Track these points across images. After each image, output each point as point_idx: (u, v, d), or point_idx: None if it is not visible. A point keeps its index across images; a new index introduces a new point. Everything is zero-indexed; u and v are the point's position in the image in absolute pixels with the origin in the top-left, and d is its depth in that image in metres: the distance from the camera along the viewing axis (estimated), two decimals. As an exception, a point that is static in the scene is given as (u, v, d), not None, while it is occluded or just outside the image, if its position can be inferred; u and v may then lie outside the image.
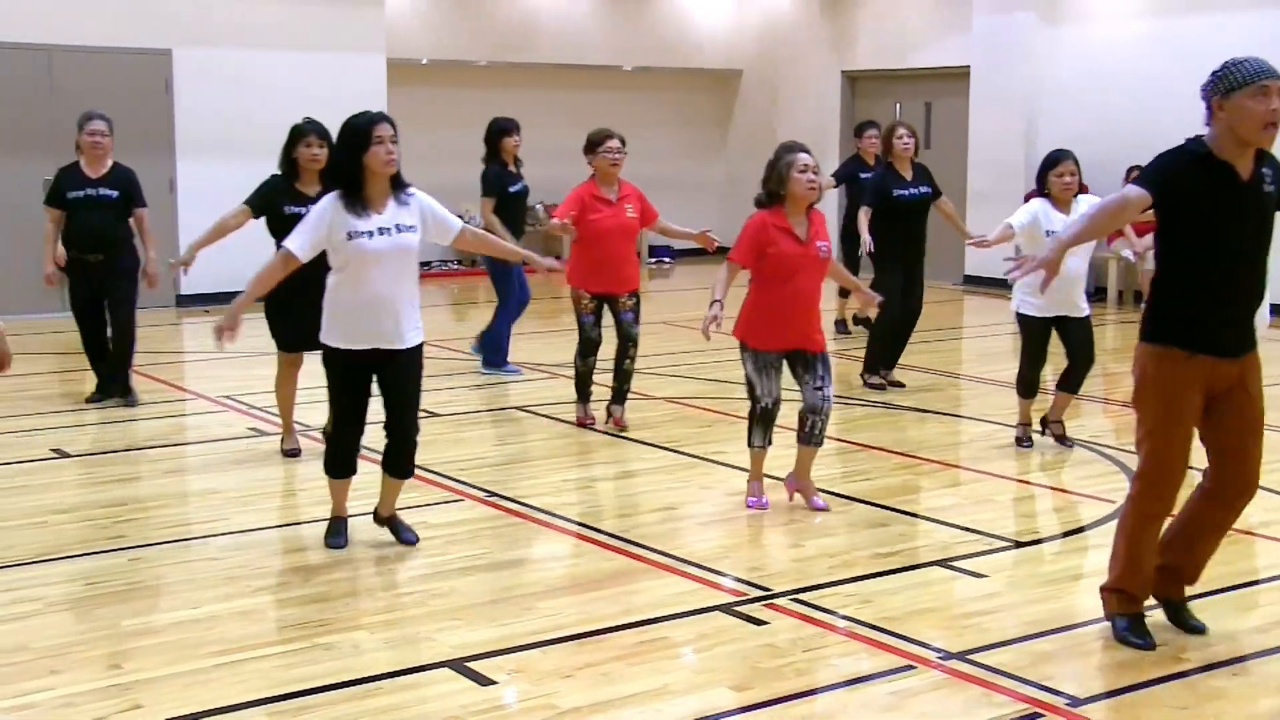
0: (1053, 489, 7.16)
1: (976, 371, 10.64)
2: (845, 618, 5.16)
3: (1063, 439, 7.89)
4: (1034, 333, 7.81)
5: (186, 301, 13.35)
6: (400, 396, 5.78)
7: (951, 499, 6.94)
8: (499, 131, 10.05)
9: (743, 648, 4.87)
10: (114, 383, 9.11)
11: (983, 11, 15.63)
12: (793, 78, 18.15)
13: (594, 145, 8.21)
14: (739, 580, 5.59)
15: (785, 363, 6.49)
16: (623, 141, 8.26)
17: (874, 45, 17.36)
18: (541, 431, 8.45)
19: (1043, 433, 7.98)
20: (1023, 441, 7.91)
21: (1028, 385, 7.90)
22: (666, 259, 17.94)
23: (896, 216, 9.41)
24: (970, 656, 4.77)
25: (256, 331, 12.18)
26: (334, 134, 7.29)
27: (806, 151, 6.39)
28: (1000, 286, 15.21)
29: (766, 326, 6.40)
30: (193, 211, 13.35)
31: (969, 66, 15.84)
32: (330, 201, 5.59)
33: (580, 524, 6.41)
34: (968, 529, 6.32)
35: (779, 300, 6.37)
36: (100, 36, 13.33)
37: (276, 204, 7.23)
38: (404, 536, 6.04)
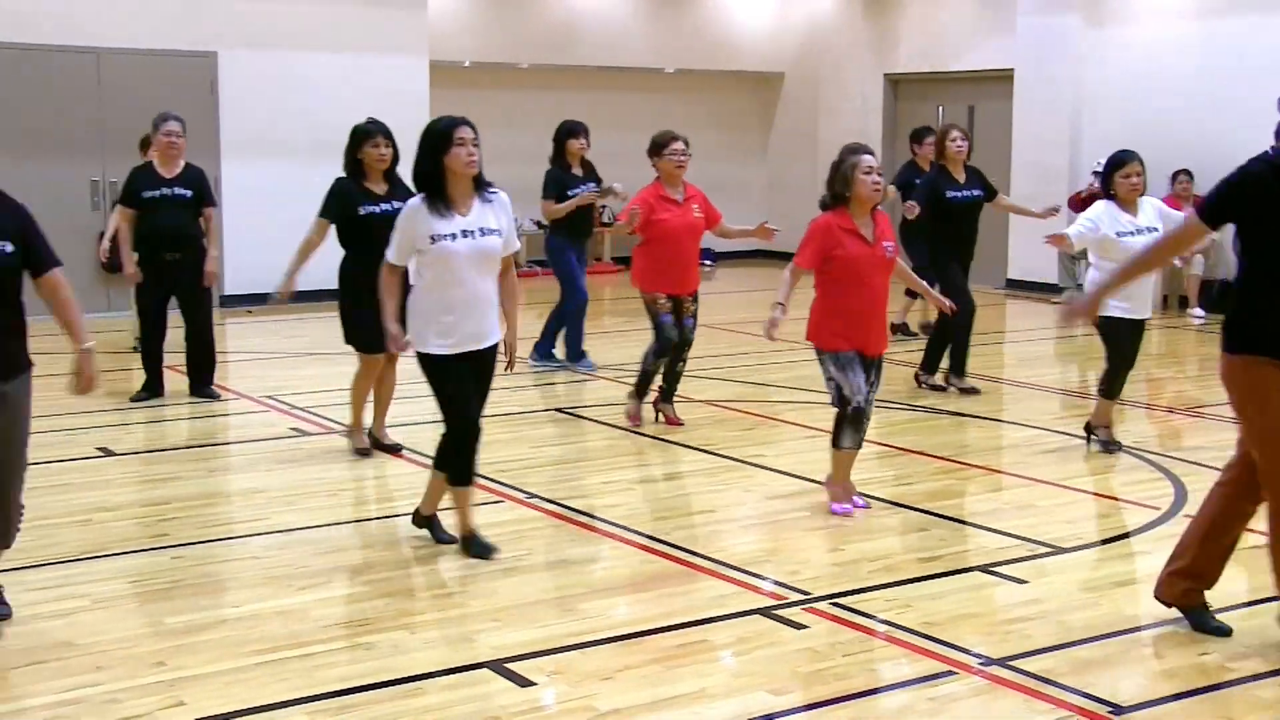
0: (1096, 495, 7.10)
1: (1019, 376, 10.57)
2: (885, 622, 5.14)
3: (1110, 445, 7.84)
4: (1125, 335, 7.73)
5: (230, 302, 13.44)
6: (482, 397, 5.87)
7: (993, 504, 6.90)
8: (565, 134, 10.15)
9: (782, 651, 4.85)
10: (206, 381, 9.22)
11: (1026, 14, 15.52)
12: (834, 81, 18.10)
13: (659, 147, 8.27)
14: (779, 584, 5.58)
15: None
16: (686, 143, 8.30)
17: (916, 48, 17.28)
18: (583, 434, 8.46)
19: (1088, 440, 7.92)
20: (1110, 445, 7.83)
21: (1117, 387, 7.82)
22: (708, 262, 17.87)
23: (949, 218, 9.40)
24: (1012, 662, 4.73)
25: (298, 332, 12.21)
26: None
27: (870, 153, 6.41)
28: (1043, 290, 15.13)
29: (839, 329, 6.43)
30: (237, 212, 13.48)
31: (1013, 69, 15.74)
32: (414, 205, 5.66)
33: (621, 526, 6.41)
34: (1010, 534, 6.28)
35: (849, 302, 6.40)
36: (147, 39, 13.46)
37: (350, 207, 7.31)
38: (440, 536, 6.07)
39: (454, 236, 5.56)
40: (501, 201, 5.75)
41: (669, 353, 8.34)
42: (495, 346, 5.81)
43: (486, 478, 7.19)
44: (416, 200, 5.65)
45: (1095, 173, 14.52)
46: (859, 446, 6.57)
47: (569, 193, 10.03)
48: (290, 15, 14.23)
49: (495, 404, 9.00)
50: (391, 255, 5.77)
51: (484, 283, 5.68)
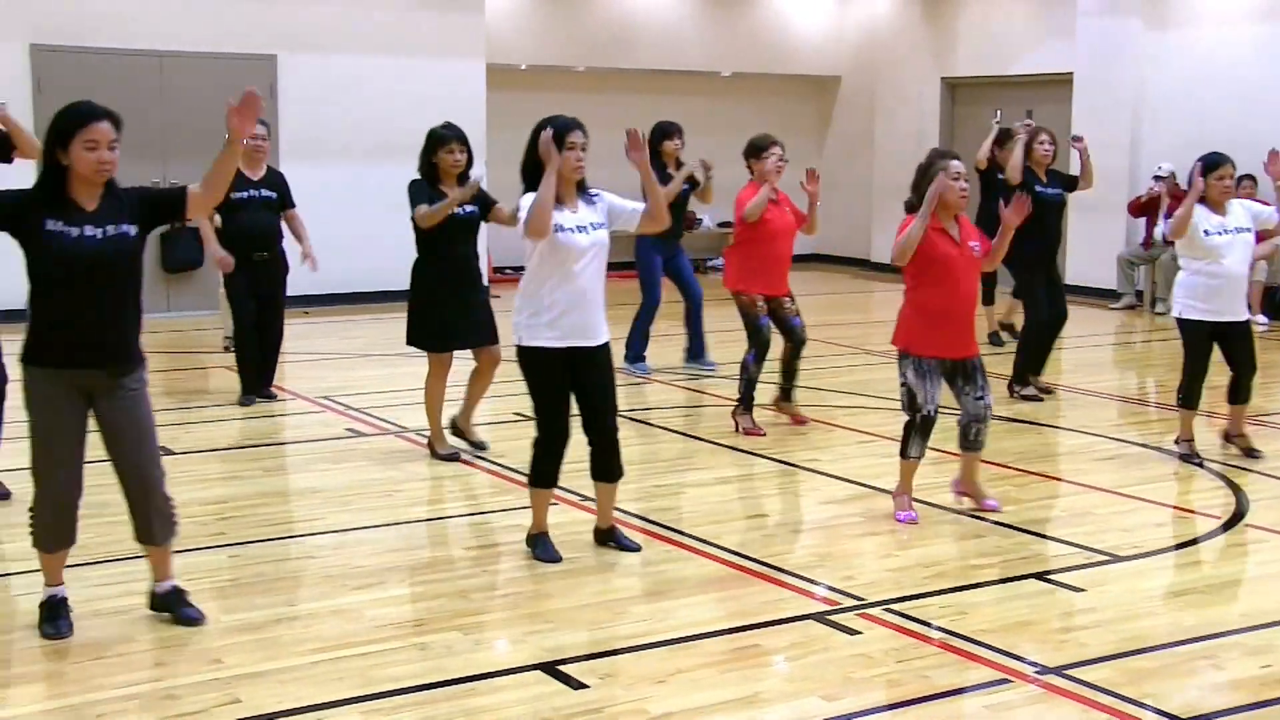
0: (1155, 503, 7.01)
1: (1076, 382, 10.47)
2: (940, 629, 5.11)
3: (1251, 451, 7.76)
4: (1198, 339, 7.65)
5: (288, 302, 13.54)
6: (600, 395, 5.85)
7: (1050, 511, 6.84)
8: (659, 135, 10.19)
9: (835, 657, 4.83)
10: (266, 383, 9.31)
11: (1086, 16, 15.37)
12: (892, 84, 18.01)
13: (759, 150, 8.34)
14: (832, 589, 5.55)
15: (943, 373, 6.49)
16: (783, 147, 8.38)
17: (974, 52, 17.17)
18: (637, 437, 8.45)
19: (1224, 447, 7.86)
20: (1190, 458, 7.73)
21: (1192, 396, 7.73)
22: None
23: (1035, 216, 9.34)
24: (1068, 671, 4.69)
25: (354, 333, 12.30)
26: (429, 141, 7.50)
27: (957, 158, 6.46)
28: (1101, 296, 14.98)
29: (930, 331, 6.42)
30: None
31: (1071, 73, 15.59)
32: (529, 199, 5.69)
33: (675, 530, 6.41)
34: (1066, 542, 6.22)
35: (941, 303, 6.39)
36: (208, 42, 13.62)
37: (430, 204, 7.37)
38: (626, 544, 6.07)
39: (575, 230, 5.66)
40: (604, 200, 5.83)
41: (765, 356, 8.35)
42: (609, 347, 5.83)
43: (540, 480, 7.21)
44: (530, 196, 5.68)
45: (1156, 176, 14.39)
46: (923, 455, 6.57)
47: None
48: (349, 19, 14.35)
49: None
50: (521, 219, 5.71)
51: (599, 278, 5.74)
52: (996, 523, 6.51)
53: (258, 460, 7.89)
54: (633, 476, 7.28)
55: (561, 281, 5.66)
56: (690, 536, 6.29)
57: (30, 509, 4.93)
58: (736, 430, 8.34)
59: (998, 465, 7.65)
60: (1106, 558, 6.02)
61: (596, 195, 5.83)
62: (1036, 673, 4.69)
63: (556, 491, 6.94)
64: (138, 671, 4.64)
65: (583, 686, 4.56)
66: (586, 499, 6.84)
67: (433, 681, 4.59)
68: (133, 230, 4.77)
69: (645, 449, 8.14)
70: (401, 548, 6.16)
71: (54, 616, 4.95)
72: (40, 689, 4.54)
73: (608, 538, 6.09)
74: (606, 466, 5.94)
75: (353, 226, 13.89)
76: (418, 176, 7.46)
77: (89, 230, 4.66)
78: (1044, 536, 6.31)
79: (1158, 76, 14.99)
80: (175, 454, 7.90)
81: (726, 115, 17.74)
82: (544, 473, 5.90)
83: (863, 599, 5.41)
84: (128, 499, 4.98)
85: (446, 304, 7.45)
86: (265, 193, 9.01)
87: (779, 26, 18.20)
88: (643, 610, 5.32)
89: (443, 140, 7.39)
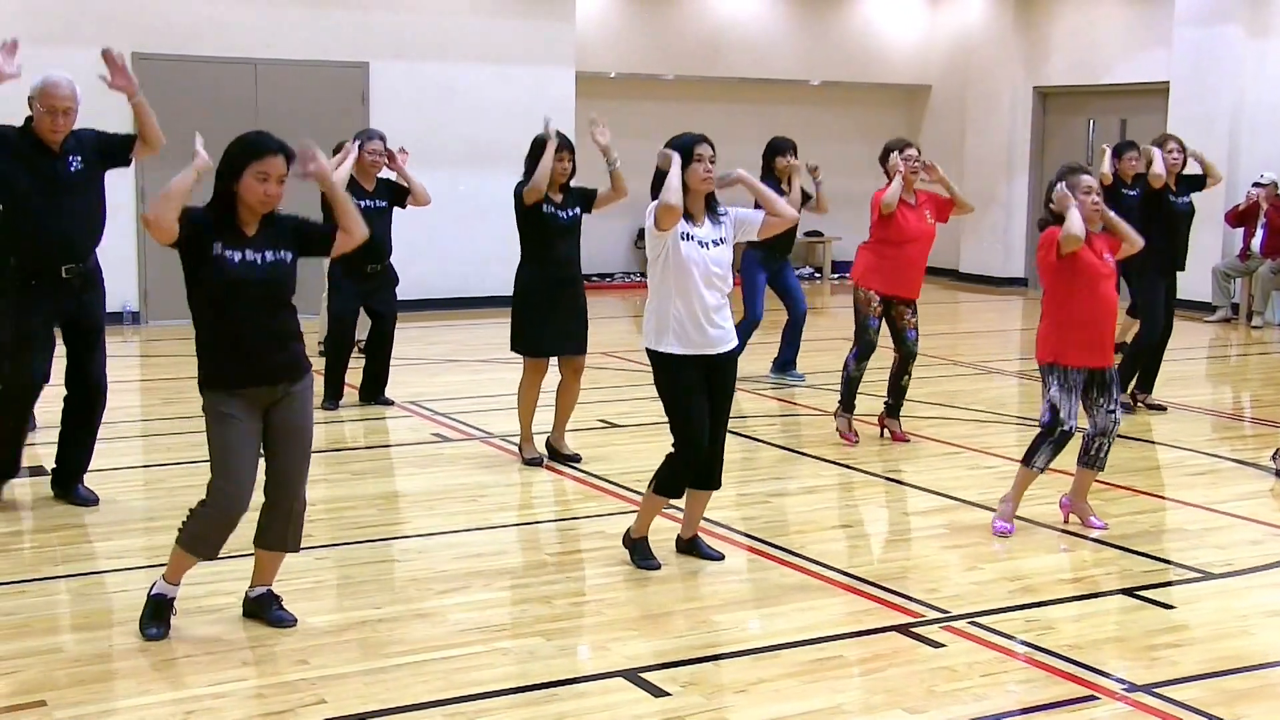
0: (1250, 520, 6.86)
1: (1169, 396, 10.28)
2: (1025, 643, 5.05)
3: None
4: None
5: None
6: (722, 402, 5.83)
7: (1140, 526, 6.72)
8: (772, 151, 10.13)
9: (919, 670, 4.79)
10: (380, 390, 9.41)
11: (1184, 24, 15.10)
12: (983, 94, 17.83)
13: (891, 151, 8.30)
14: (916, 601, 5.51)
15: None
16: (919, 150, 8.33)
17: (1068, 61, 16.95)
18: (719, 445, 8.43)
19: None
20: None
21: None
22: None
23: (1167, 225, 9.27)
24: (1157, 690, 4.61)
25: (439, 338, 12.42)
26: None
27: (1088, 173, 6.41)
28: (1196, 309, 14.69)
29: (1078, 341, 6.35)
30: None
31: (1168, 82, 15.33)
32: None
33: (757, 539, 6.39)
34: (1157, 558, 6.11)
35: (1087, 312, 6.34)
36: (302, 50, 13.83)
37: (536, 209, 7.43)
38: (708, 553, 6.06)
39: (702, 244, 5.67)
40: (731, 215, 5.82)
41: (868, 357, 8.30)
42: (734, 355, 5.82)
43: (623, 486, 7.23)
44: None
45: (1256, 184, 14.11)
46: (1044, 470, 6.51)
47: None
48: (440, 27, 14.50)
49: (630, 413, 9.08)
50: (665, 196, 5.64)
51: (713, 293, 5.70)
52: (1085, 537, 6.42)
53: (345, 464, 7.98)
54: (716, 485, 7.26)
55: (683, 295, 5.66)
56: (774, 546, 6.27)
57: (191, 511, 4.97)
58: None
59: (1087, 479, 7.54)
60: (1199, 575, 5.91)
61: (725, 212, 5.81)
62: (1125, 690, 4.62)
63: (635, 498, 6.96)
64: (225, 670, 4.72)
65: (664, 694, 4.56)
66: (669, 506, 6.84)
67: (515, 686, 4.62)
68: (289, 256, 4.91)
69: (729, 457, 8.10)
70: (486, 552, 6.20)
71: (159, 617, 5.03)
72: (130, 685, 4.63)
73: (690, 547, 6.08)
74: (708, 474, 5.89)
75: (441, 232, 14.04)
76: (522, 180, 7.48)
77: (250, 255, 4.79)
78: (1134, 552, 6.20)
79: (1257, 85, 14.70)
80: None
81: (816, 124, 17.68)
82: (672, 483, 5.87)
83: (947, 612, 5.36)
84: (268, 500, 5.03)
85: (540, 309, 7.48)
86: (379, 203, 9.05)
87: (869, 35, 18.10)
88: (725, 619, 5.32)
89: (547, 143, 7.40)
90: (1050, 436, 6.39)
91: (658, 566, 5.89)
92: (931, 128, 18.71)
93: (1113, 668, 4.80)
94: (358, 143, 9.02)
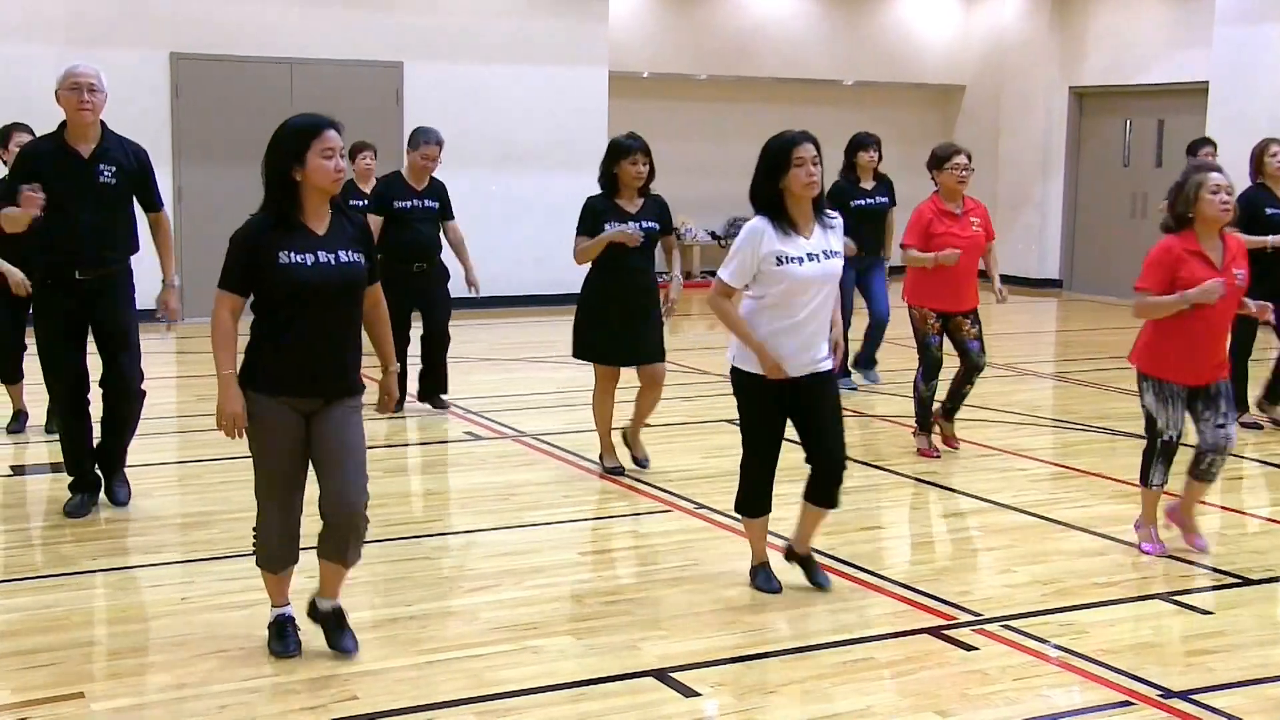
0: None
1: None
2: (1059, 647, 5.01)
3: None
4: None
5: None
6: (823, 419, 5.45)
7: (1176, 530, 6.65)
8: (855, 146, 9.87)
9: (951, 673, 4.76)
10: (439, 388, 9.27)
11: (1225, 23, 14.95)
12: (1018, 94, 17.73)
13: (941, 160, 7.93)
14: (948, 603, 5.47)
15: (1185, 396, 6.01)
16: (969, 157, 8.01)
17: (1104, 60, 16.84)
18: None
19: None
20: None
21: None
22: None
23: (1271, 232, 8.85)
24: (1194, 697, 4.56)
25: (472, 338, 12.44)
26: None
27: (1219, 170, 5.91)
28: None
29: (1175, 358, 5.92)
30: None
31: (1207, 82, 15.20)
32: (757, 226, 5.31)
33: (789, 539, 6.36)
34: (1193, 562, 6.06)
35: (1189, 330, 5.87)
36: (337, 50, 13.90)
37: (600, 226, 7.14)
38: (818, 579, 5.66)
39: (801, 260, 5.24)
40: (839, 227, 5.44)
41: (935, 375, 7.98)
42: (828, 375, 5.45)
43: (654, 486, 7.23)
44: (759, 221, 5.30)
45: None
46: (1166, 483, 6.14)
47: (850, 203, 9.60)
48: (474, 27, 14.54)
49: (664, 413, 9.07)
50: (729, 277, 5.37)
51: (825, 309, 5.36)
52: (1120, 541, 6.36)
53: (377, 462, 7.97)
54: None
55: (783, 313, 5.29)
56: (805, 547, 6.24)
57: (254, 529, 4.80)
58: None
59: (1120, 481, 7.48)
60: (1237, 580, 5.85)
61: (833, 220, 5.41)
62: (1160, 696, 4.57)
63: (668, 498, 6.95)
64: (258, 665, 4.73)
65: (694, 694, 4.55)
66: (702, 506, 6.83)
67: (545, 685, 4.61)
68: (362, 260, 4.65)
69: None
70: (517, 551, 6.21)
71: (283, 635, 4.85)
72: (165, 678, 4.65)
73: (804, 565, 5.71)
74: (826, 491, 5.51)
75: (473, 232, 13.99)
76: (594, 193, 7.25)
77: (323, 256, 4.54)
78: (1171, 556, 6.15)
79: (1298, 86, 14.55)
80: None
81: (849, 124, 17.48)
82: (750, 502, 5.58)
83: (979, 614, 5.33)
84: (323, 516, 4.70)
85: (612, 318, 7.23)
86: (428, 203, 8.94)
87: (903, 35, 18.03)
88: (756, 619, 5.30)
89: (626, 150, 7.10)
90: (1155, 450, 6.06)
91: (778, 590, 5.58)
92: (965, 128, 18.61)
93: (1149, 673, 4.76)
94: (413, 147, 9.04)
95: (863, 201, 9.82)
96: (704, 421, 9.17)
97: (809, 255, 5.26)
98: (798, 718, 4.38)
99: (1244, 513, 6.97)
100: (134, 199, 6.47)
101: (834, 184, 9.69)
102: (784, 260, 5.24)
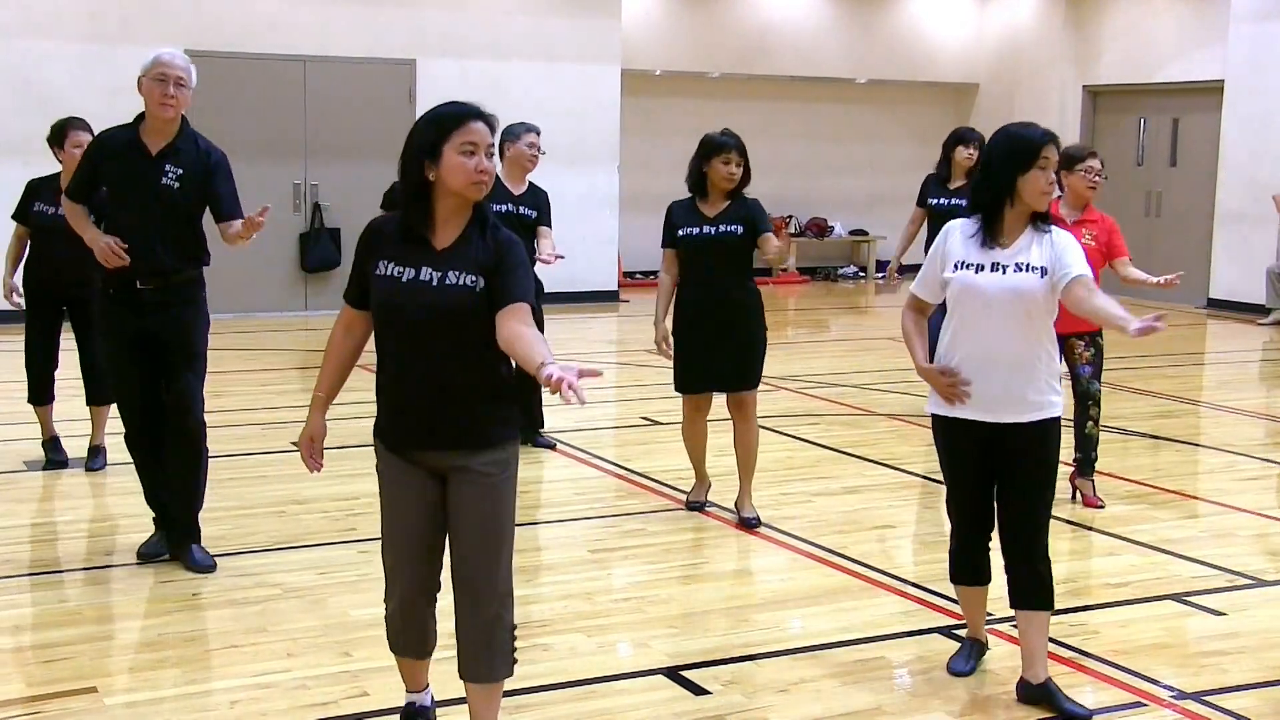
0: (1300, 526, 6.79)
1: (1218, 399, 10.18)
2: (1071, 648, 5.00)
3: None
4: None
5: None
6: (1013, 491, 4.51)
7: (1189, 531, 6.65)
8: (954, 141, 8.95)
9: (986, 673, 4.76)
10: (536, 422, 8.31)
11: (1241, 21, 14.91)
12: (1032, 92, 17.69)
13: (1072, 161, 6.80)
14: (958, 603, 5.46)
15: None
16: (1103, 162, 7.01)
17: (1119, 58, 16.80)
18: (764, 444, 8.40)
19: None
20: None
21: None
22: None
23: None
24: (1207, 698, 4.56)
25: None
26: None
27: None
28: (1248, 311, 14.53)
29: None
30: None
31: (1223, 80, 15.16)
32: (952, 229, 4.59)
33: (800, 538, 6.37)
34: (1206, 563, 6.05)
35: None
36: (350, 48, 13.93)
37: (672, 231, 6.53)
38: (1068, 708, 4.47)
39: (980, 268, 4.43)
40: (1058, 240, 4.43)
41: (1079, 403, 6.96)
42: (1034, 429, 4.43)
43: (665, 484, 7.23)
44: (957, 223, 4.58)
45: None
46: None
47: (929, 200, 8.88)
48: (487, 25, 14.55)
49: (674, 410, 9.07)
50: (915, 286, 4.67)
51: (1007, 335, 4.40)
52: (1132, 541, 6.36)
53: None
54: (758, 484, 7.25)
55: (962, 337, 4.48)
56: (816, 545, 6.25)
57: (385, 599, 4.06)
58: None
59: (1135, 482, 7.47)
60: (1250, 581, 5.84)
61: (1048, 230, 4.44)
62: (1173, 697, 4.57)
63: (683, 498, 6.93)
64: (270, 661, 4.75)
65: (704, 693, 4.56)
66: (711, 504, 6.83)
67: (556, 682, 4.62)
68: (480, 283, 3.64)
69: (772, 456, 8.10)
70: (528, 549, 6.22)
71: None
72: (178, 674, 4.67)
73: (1039, 694, 4.51)
74: (1019, 589, 4.56)
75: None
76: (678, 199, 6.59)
77: (425, 274, 3.67)
78: (1183, 557, 6.14)
79: (1313, 85, 14.52)
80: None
81: (862, 122, 17.63)
82: (955, 566, 4.78)
83: (990, 614, 5.31)
84: (454, 601, 3.90)
85: (690, 339, 6.51)
86: (525, 210, 7.69)
87: (916, 33, 18.01)
88: (767, 618, 5.30)
89: (720, 148, 6.34)
90: None
91: (962, 672, 4.78)
92: (979, 127, 18.48)
93: (1160, 674, 4.76)
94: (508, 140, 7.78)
95: (941, 201, 8.80)
96: (713, 421, 9.16)
97: (995, 264, 4.45)
98: (807, 716, 4.38)
99: (1258, 513, 6.95)
100: (197, 208, 5.80)
101: (928, 176, 9.10)
102: (961, 266, 4.52)
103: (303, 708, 4.40)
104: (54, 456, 7.45)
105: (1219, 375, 11.73)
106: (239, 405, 9.10)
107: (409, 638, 4.02)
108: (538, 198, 7.82)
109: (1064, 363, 6.89)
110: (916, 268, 4.91)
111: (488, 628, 3.83)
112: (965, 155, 8.72)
